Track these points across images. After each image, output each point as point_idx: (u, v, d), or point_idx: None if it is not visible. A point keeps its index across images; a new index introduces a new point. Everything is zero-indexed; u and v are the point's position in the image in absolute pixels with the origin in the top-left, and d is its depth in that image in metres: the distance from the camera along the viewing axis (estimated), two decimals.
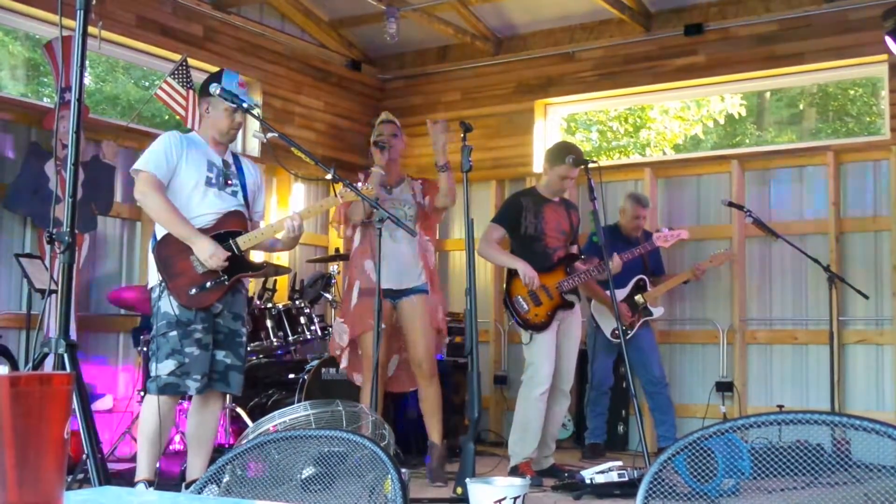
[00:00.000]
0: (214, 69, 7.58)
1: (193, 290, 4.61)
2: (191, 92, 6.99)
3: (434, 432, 6.16)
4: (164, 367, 4.57)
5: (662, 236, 6.79)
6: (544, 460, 6.29)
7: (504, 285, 6.36)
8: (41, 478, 1.17)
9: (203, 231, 4.66)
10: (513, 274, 6.25)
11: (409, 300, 6.06)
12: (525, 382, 6.19)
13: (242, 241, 4.72)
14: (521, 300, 6.18)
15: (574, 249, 6.50)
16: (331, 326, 6.89)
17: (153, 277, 4.70)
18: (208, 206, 4.74)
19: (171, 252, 4.65)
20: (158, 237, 4.70)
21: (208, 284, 4.63)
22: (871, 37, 7.40)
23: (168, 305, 4.60)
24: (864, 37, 7.50)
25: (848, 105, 12.70)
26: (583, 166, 6.10)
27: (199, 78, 7.23)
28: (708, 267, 7.50)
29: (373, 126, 6.48)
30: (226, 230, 4.71)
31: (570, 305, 6.28)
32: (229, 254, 4.64)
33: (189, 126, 6.89)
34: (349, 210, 5.98)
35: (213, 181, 4.78)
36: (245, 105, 4.75)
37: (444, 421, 7.35)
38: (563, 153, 6.33)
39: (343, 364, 6.21)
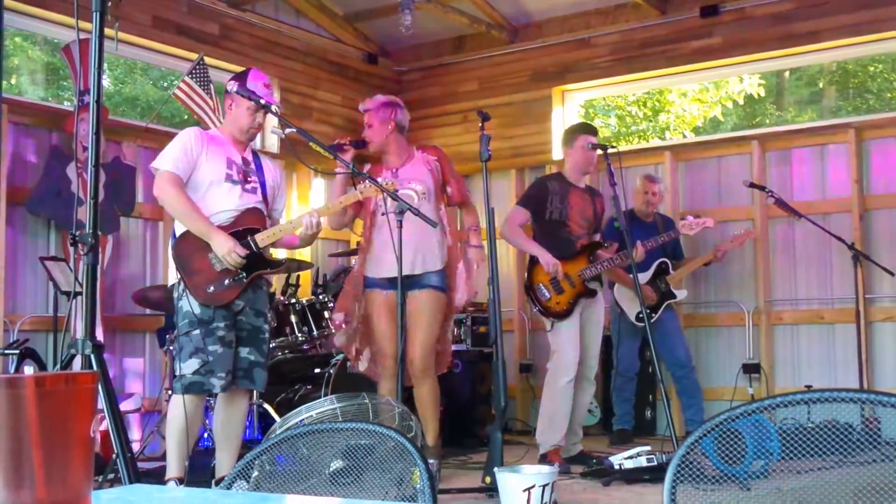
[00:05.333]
0: (231, 67, 7.65)
1: (211, 288, 4.64)
2: (212, 91, 7.01)
3: (429, 433, 5.77)
4: (188, 367, 4.60)
5: (687, 224, 6.76)
6: (572, 447, 6.25)
7: (525, 272, 6.33)
8: (69, 476, 1.18)
9: (221, 228, 4.68)
10: (534, 261, 6.21)
11: (413, 294, 5.67)
12: (550, 371, 6.16)
13: (260, 239, 4.74)
14: (542, 288, 6.15)
15: (598, 237, 6.46)
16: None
17: (174, 276, 4.74)
18: (227, 203, 4.76)
19: (188, 250, 4.68)
20: (177, 235, 4.74)
21: (226, 282, 4.66)
22: (888, 12, 7.34)
23: (188, 304, 4.63)
24: (881, 12, 7.43)
25: (868, 81, 12.61)
26: (603, 152, 6.07)
27: (216, 76, 7.26)
28: (730, 248, 7.46)
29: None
30: (244, 227, 4.74)
31: (593, 293, 6.23)
32: (247, 251, 4.66)
33: (209, 127, 6.91)
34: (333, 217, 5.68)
35: (234, 178, 4.81)
36: (262, 102, 4.77)
37: (469, 411, 7.32)
38: (576, 128, 6.49)
39: (363, 367, 5.87)
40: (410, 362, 5.72)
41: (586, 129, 6.43)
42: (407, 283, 5.53)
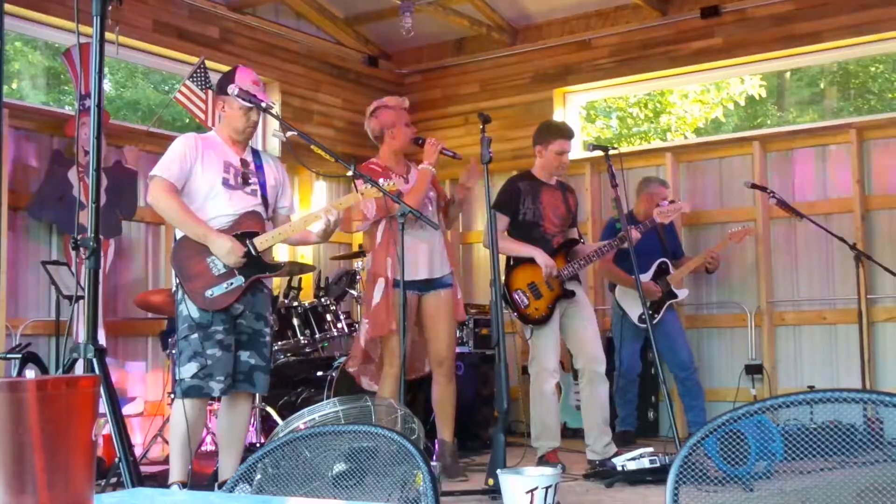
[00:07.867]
0: None
1: (210, 293, 4.63)
2: (210, 93, 7.01)
3: (446, 430, 5.87)
4: (187, 370, 4.60)
5: (663, 211, 6.60)
6: (606, 449, 6.00)
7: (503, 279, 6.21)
8: (71, 480, 1.18)
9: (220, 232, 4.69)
10: (512, 267, 6.14)
11: (435, 294, 5.79)
12: (533, 378, 6.06)
13: (259, 242, 4.72)
14: (521, 294, 6.03)
15: (574, 234, 6.41)
16: (357, 322, 6.86)
17: (175, 281, 4.74)
18: (225, 207, 4.75)
19: (187, 255, 4.67)
20: (177, 240, 4.74)
21: (225, 286, 4.65)
22: (889, 13, 7.33)
23: (187, 309, 4.63)
24: (882, 13, 7.43)
25: (869, 82, 12.59)
26: (604, 153, 6.04)
27: (217, 79, 7.26)
28: (727, 247, 7.45)
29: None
30: (242, 231, 4.73)
31: (571, 294, 6.12)
32: (246, 248, 4.65)
33: (209, 127, 6.92)
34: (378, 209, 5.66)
35: (231, 182, 4.79)
36: (263, 105, 4.76)
37: (473, 413, 7.31)
38: (553, 129, 6.33)
39: (352, 368, 5.88)
40: (439, 363, 5.85)
41: (563, 132, 6.28)
42: (428, 285, 5.78)
